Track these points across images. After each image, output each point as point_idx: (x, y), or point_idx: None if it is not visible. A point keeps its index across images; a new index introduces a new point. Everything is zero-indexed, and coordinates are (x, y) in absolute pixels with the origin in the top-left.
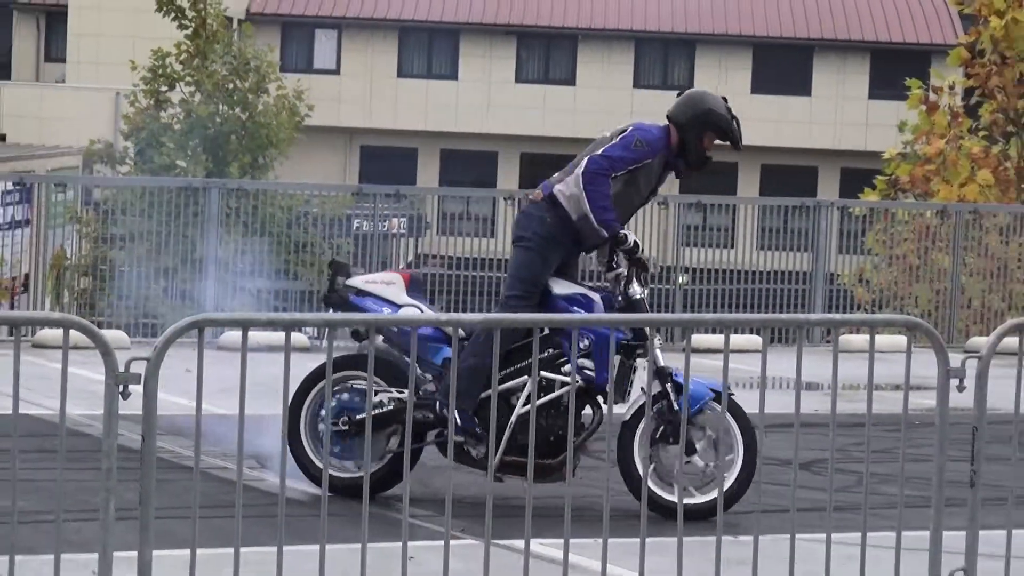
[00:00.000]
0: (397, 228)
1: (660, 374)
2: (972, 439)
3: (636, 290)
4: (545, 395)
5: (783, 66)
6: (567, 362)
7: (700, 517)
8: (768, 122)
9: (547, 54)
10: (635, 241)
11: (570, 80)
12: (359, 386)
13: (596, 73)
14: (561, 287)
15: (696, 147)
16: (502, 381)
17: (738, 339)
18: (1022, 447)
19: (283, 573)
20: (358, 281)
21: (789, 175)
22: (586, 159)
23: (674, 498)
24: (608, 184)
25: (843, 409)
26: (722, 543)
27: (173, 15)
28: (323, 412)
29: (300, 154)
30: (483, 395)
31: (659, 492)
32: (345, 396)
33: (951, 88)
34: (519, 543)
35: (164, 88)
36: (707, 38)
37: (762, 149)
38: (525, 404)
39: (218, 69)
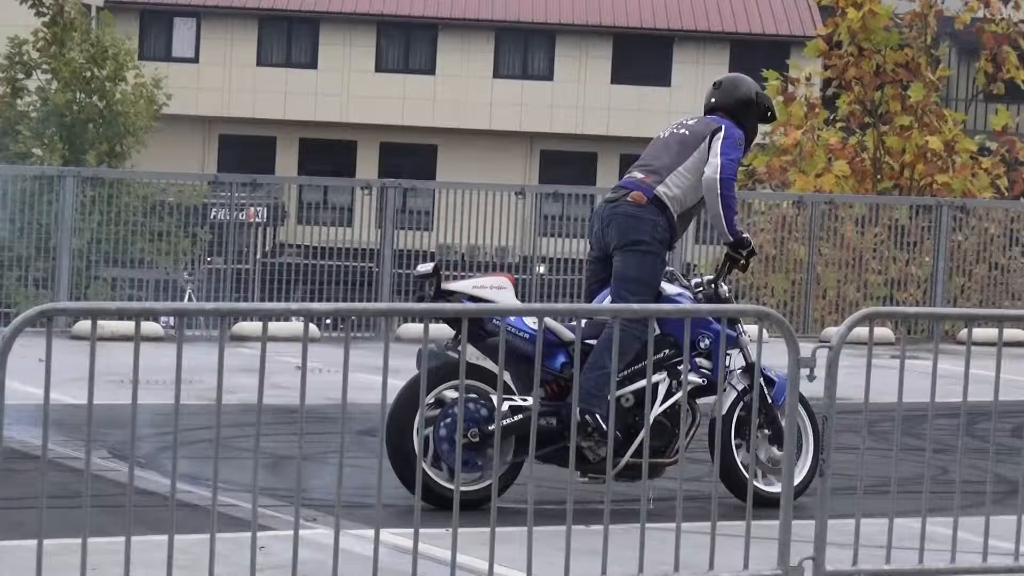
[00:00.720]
0: (255, 217)
1: (749, 369)
2: (822, 428)
3: (724, 289)
4: (666, 394)
5: (643, 56)
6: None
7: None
8: (628, 112)
9: (407, 44)
10: (751, 243)
11: (430, 70)
12: (473, 395)
13: (456, 63)
14: (669, 288)
15: (754, 130)
16: (631, 382)
17: None
18: (872, 436)
19: (131, 563)
20: (465, 286)
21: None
22: (722, 167)
23: (765, 487)
24: (735, 190)
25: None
26: (572, 532)
27: (31, 2)
28: (442, 425)
29: (159, 143)
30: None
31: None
32: (468, 407)
33: (808, 79)
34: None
35: (21, 76)
36: (567, 28)
37: (622, 139)
38: (661, 403)
39: (76, 57)
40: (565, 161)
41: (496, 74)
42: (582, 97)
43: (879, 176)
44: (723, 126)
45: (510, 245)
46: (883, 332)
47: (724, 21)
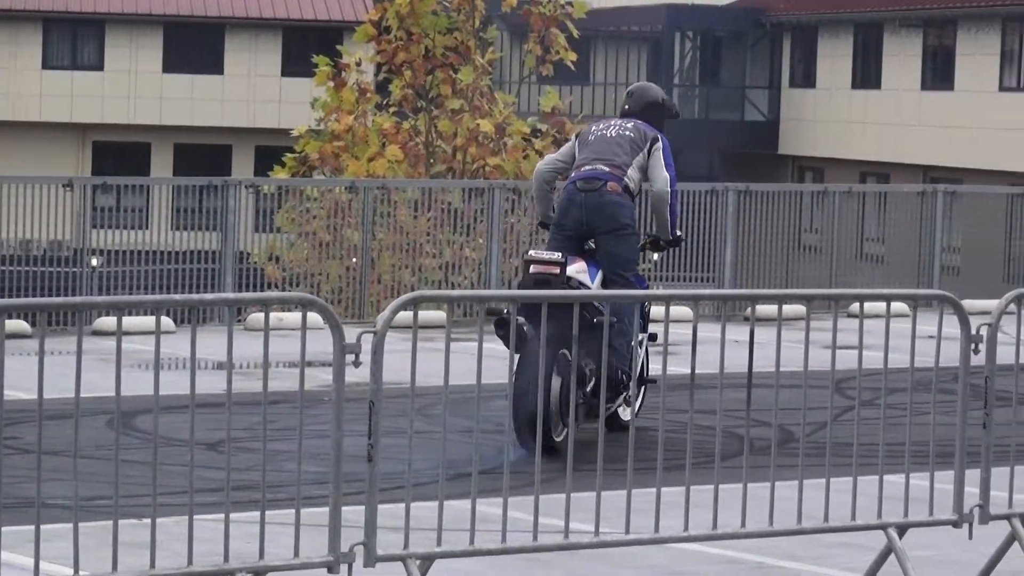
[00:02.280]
0: None
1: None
2: (369, 414)
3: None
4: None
5: (195, 44)
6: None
7: None
8: (181, 101)
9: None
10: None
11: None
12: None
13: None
14: None
15: (662, 129)
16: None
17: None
18: (426, 420)
19: None
20: (572, 271)
21: (203, 154)
22: (672, 181)
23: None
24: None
25: (245, 388)
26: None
27: None
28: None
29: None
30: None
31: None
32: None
33: (359, 65)
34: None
35: None
36: (117, 18)
37: (175, 128)
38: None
39: None
40: (118, 152)
41: (45, 65)
42: (134, 87)
43: (432, 160)
44: (659, 136)
45: (64, 239)
46: (436, 315)
47: (276, 8)
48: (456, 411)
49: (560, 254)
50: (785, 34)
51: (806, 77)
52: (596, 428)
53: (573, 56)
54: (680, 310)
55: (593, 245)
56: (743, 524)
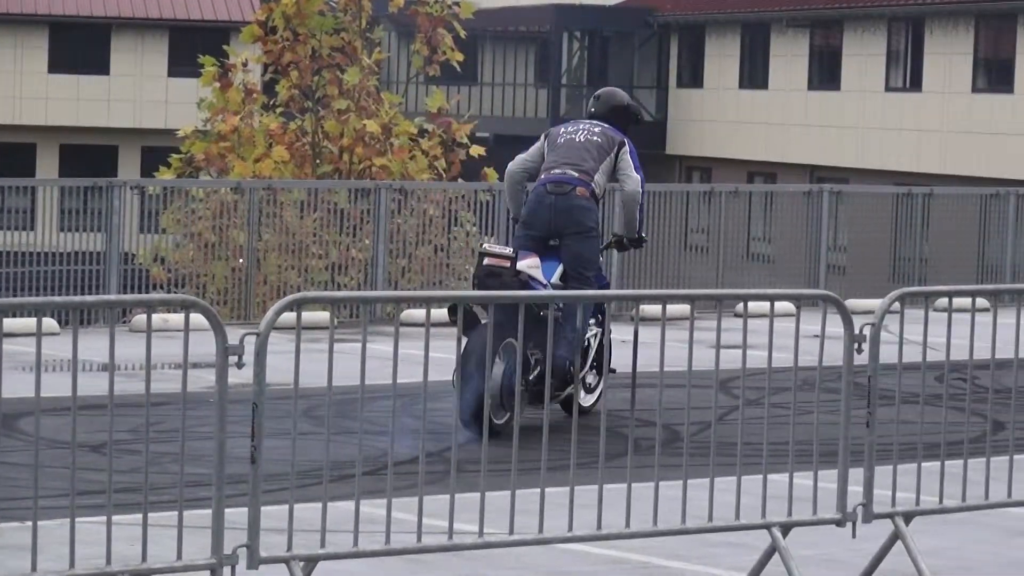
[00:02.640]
0: None
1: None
2: (252, 415)
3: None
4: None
5: (81, 45)
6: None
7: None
8: (67, 101)
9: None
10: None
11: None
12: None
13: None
14: None
15: (628, 131)
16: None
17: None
18: (310, 421)
19: None
20: (523, 265)
21: (89, 155)
22: (641, 184)
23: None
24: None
25: (129, 389)
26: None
27: None
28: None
29: None
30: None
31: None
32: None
33: (245, 65)
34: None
35: None
36: (1, 18)
37: (61, 129)
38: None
39: None
40: (3, 153)
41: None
42: (18, 87)
43: (318, 161)
44: (625, 141)
45: None
46: (323, 316)
47: (162, 8)
48: (341, 412)
49: (511, 249)
50: (673, 34)
51: (693, 77)
52: (538, 416)
53: (460, 57)
54: None
55: (557, 243)
56: (627, 524)
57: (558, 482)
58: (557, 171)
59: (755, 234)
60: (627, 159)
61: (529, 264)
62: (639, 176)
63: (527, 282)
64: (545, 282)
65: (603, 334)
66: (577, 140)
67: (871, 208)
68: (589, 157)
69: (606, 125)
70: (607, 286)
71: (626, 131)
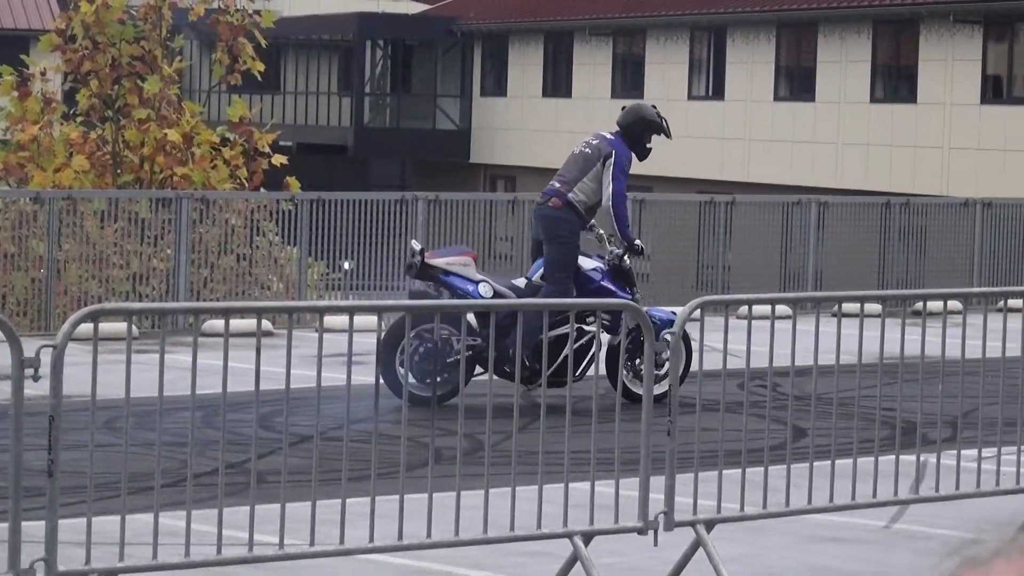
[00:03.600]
0: None
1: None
2: (49, 428)
3: (627, 263)
4: (579, 339)
5: None
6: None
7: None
8: None
9: None
10: (642, 246)
11: None
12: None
13: None
14: (586, 263)
15: (644, 145)
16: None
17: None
18: (110, 433)
19: None
20: (441, 262)
21: None
22: (614, 194)
23: (639, 390)
24: (627, 208)
25: None
26: None
27: None
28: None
29: None
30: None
31: (630, 387)
32: (428, 345)
33: (44, 74)
34: None
35: None
36: None
37: None
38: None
39: None
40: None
41: None
42: None
43: (119, 170)
44: (613, 152)
45: None
46: (121, 327)
47: None
48: (140, 424)
49: (420, 247)
50: (476, 42)
51: (497, 85)
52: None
53: (261, 66)
54: (364, 320)
55: None
56: (429, 534)
57: (359, 492)
58: (548, 184)
59: None
60: (608, 171)
61: (450, 262)
62: (613, 187)
63: (436, 276)
64: (473, 278)
65: (605, 340)
66: (574, 152)
67: (676, 216)
68: (575, 168)
69: (608, 136)
70: (567, 292)
71: (640, 143)
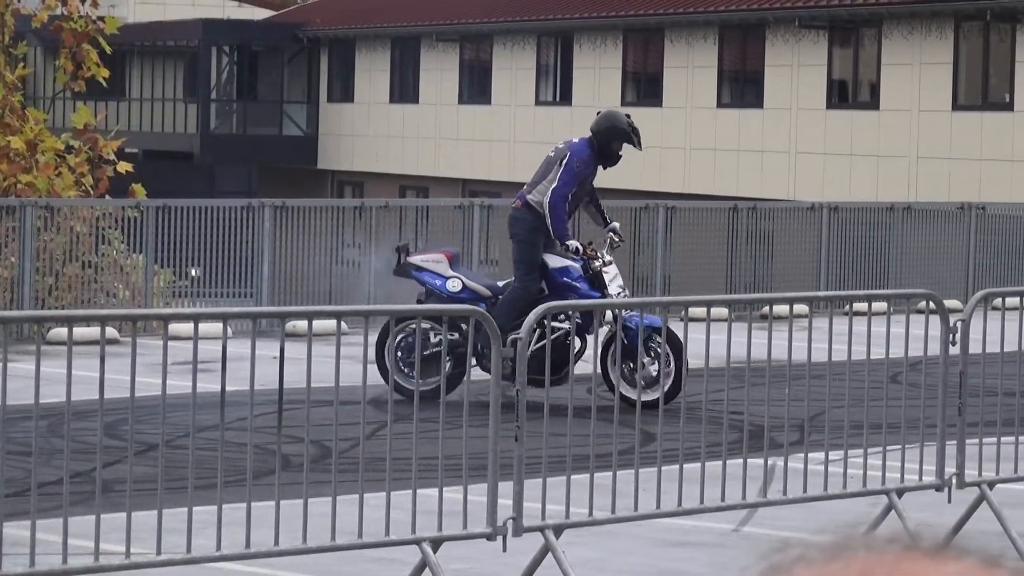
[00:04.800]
0: None
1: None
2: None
3: (596, 266)
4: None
5: None
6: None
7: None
8: None
9: None
10: (578, 246)
11: None
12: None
13: None
14: (553, 261)
15: (612, 152)
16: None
17: None
18: None
19: None
20: (417, 260)
21: None
22: (551, 192)
23: (632, 395)
24: (564, 208)
25: None
26: None
27: None
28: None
29: None
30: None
31: (624, 392)
32: (411, 338)
33: None
34: None
35: None
36: None
37: None
38: (538, 343)
39: None
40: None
41: None
42: None
43: None
44: (569, 154)
45: None
46: None
47: None
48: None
49: (404, 245)
50: (323, 48)
51: (344, 91)
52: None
53: (105, 73)
54: (210, 327)
55: None
56: (276, 542)
57: (206, 500)
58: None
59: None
60: (558, 171)
61: (424, 259)
62: (552, 187)
63: (410, 272)
64: (444, 274)
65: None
66: (545, 157)
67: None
68: (539, 171)
69: (575, 141)
70: (530, 289)
71: (608, 150)
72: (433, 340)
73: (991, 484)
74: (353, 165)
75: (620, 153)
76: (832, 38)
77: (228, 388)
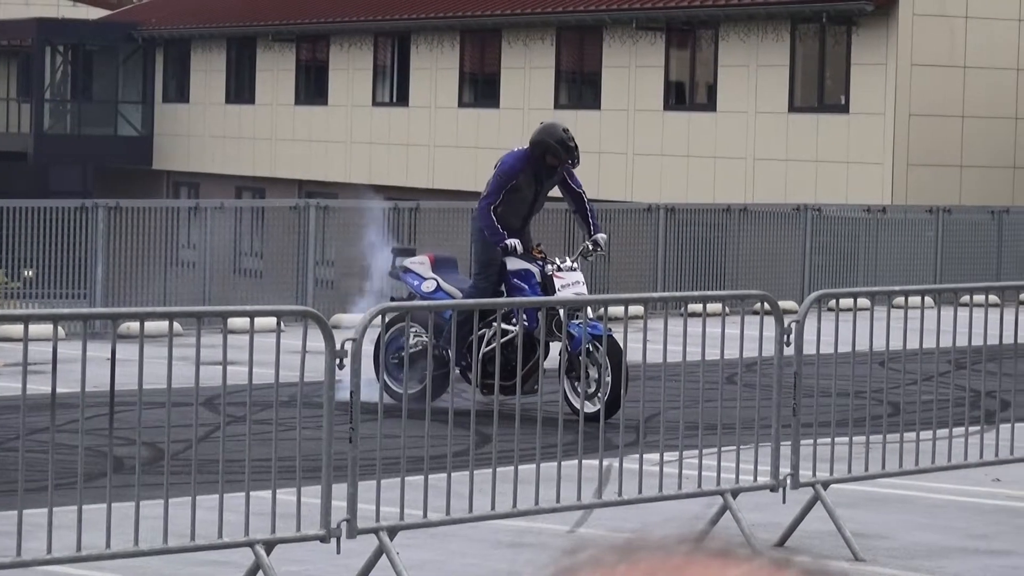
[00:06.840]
0: None
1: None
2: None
3: (548, 270)
4: (504, 338)
5: None
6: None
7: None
8: None
9: None
10: (516, 246)
11: None
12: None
13: None
14: (512, 263)
15: (542, 163)
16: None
17: None
18: None
19: None
20: (407, 262)
21: None
22: (479, 200)
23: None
24: (490, 216)
25: None
26: None
27: None
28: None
29: None
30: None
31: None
32: (399, 341)
33: None
34: None
35: None
36: None
37: None
38: (487, 346)
39: None
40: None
41: None
42: None
43: None
44: (498, 164)
45: None
46: None
47: None
48: None
49: (396, 247)
50: (158, 48)
51: (180, 92)
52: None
53: None
54: (41, 329)
55: None
56: (108, 545)
57: (37, 503)
58: None
59: (244, 249)
60: (489, 179)
61: (411, 261)
62: (482, 195)
63: (399, 274)
64: (424, 275)
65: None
66: None
67: (358, 223)
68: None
69: (514, 150)
70: (484, 289)
71: (543, 162)
72: (411, 342)
73: (825, 484)
74: (189, 166)
75: (554, 165)
76: (669, 40)
77: (59, 390)
